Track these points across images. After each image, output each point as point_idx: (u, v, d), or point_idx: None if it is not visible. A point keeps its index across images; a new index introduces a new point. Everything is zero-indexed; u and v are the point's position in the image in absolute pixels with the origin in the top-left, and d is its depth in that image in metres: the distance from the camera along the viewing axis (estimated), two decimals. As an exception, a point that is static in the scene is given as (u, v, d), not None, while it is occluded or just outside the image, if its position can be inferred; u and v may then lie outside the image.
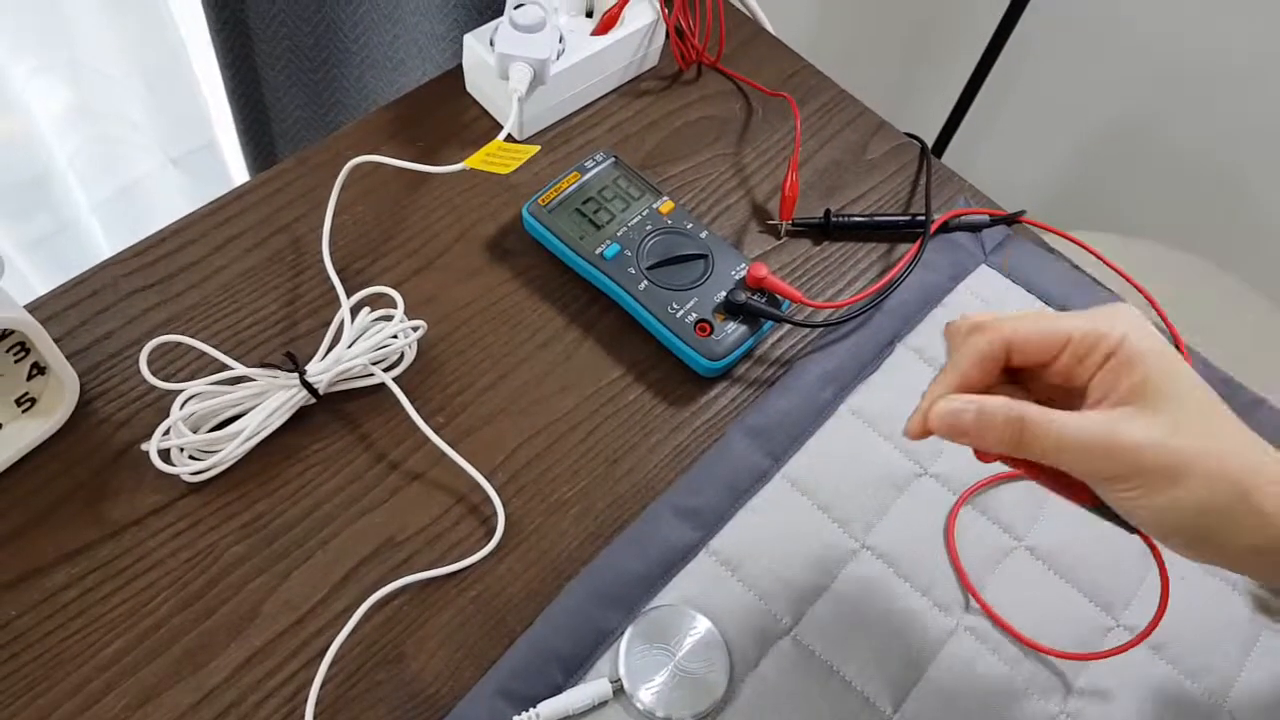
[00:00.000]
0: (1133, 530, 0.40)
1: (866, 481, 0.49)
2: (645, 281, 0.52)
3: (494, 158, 0.50)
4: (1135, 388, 0.34)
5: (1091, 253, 0.61)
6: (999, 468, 0.47)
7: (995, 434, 0.35)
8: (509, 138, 0.57)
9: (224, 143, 1.04)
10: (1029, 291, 0.57)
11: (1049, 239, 0.62)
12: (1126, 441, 0.33)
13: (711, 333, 0.51)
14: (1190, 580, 0.48)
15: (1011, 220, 0.60)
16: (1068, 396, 0.36)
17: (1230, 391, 0.54)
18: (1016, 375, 0.38)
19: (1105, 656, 0.44)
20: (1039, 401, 0.35)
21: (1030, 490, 0.50)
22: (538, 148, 0.50)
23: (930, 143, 1.29)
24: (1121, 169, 1.31)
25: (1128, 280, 0.60)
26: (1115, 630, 0.47)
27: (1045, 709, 0.44)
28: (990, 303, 0.56)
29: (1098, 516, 0.40)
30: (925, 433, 0.37)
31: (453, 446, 0.48)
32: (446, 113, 0.61)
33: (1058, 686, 0.45)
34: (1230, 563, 0.36)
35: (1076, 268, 0.60)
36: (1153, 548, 0.41)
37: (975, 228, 0.60)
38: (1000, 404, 0.35)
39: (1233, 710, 0.45)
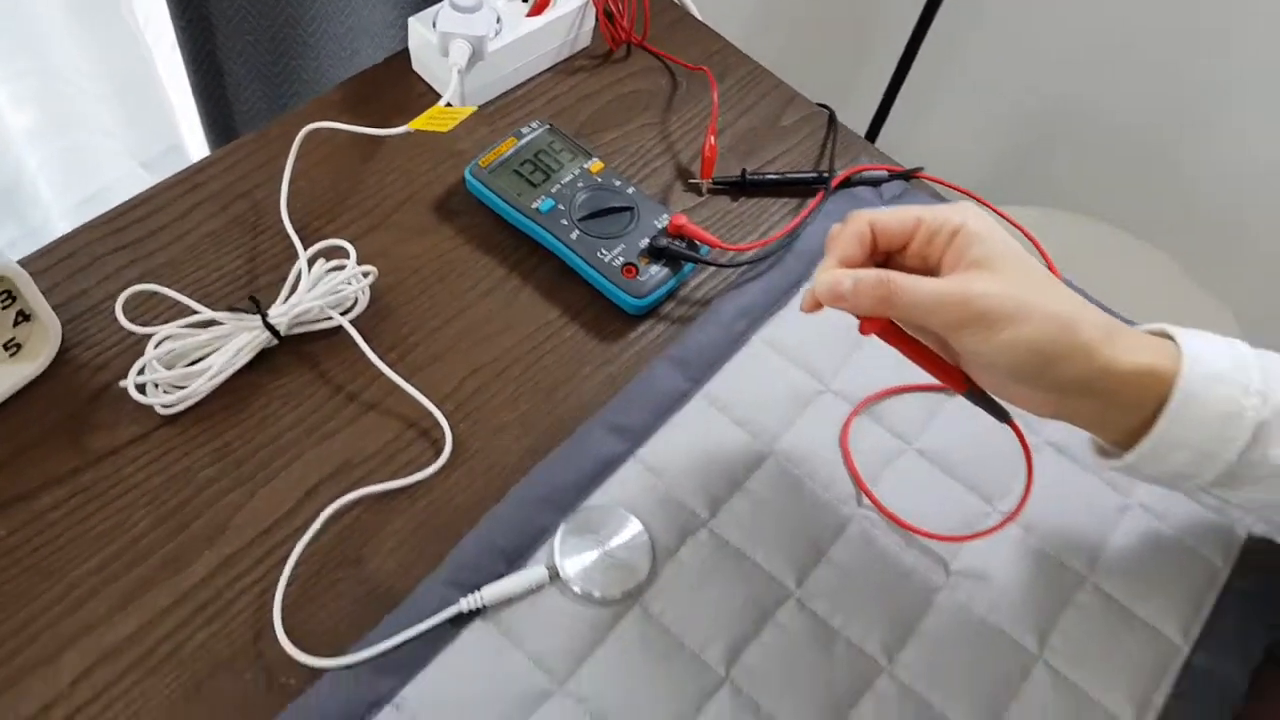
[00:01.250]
0: (1005, 419, 0.46)
1: (775, 399, 0.55)
2: (577, 231, 0.58)
3: (435, 120, 0.56)
4: (978, 258, 0.42)
5: (985, 205, 0.67)
6: (892, 382, 0.54)
7: (868, 295, 0.42)
8: (448, 104, 0.63)
9: (190, 144, 1.08)
10: (924, 237, 0.64)
11: (945, 193, 0.68)
12: (974, 291, 0.41)
13: (637, 274, 0.57)
14: (1055, 470, 0.54)
15: (908, 176, 0.67)
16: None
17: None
18: (883, 264, 0.46)
19: (980, 536, 0.51)
20: None
21: (919, 403, 0.56)
22: (474, 108, 0.56)
23: (866, 125, 1.37)
24: (1048, 146, 1.39)
25: (1021, 230, 0.66)
26: (992, 515, 0.53)
27: (930, 582, 0.50)
28: (889, 246, 0.63)
29: (972, 402, 0.46)
30: (816, 305, 0.45)
31: (404, 379, 0.53)
32: (395, 90, 0.67)
33: (940, 564, 0.51)
34: (1064, 401, 0.43)
35: (968, 216, 0.66)
36: (1020, 437, 0.47)
37: (875, 182, 0.66)
38: (871, 271, 0.43)
39: (1097, 581, 0.51)
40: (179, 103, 1.01)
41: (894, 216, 0.44)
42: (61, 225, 1.00)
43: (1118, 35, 1.25)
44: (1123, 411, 0.44)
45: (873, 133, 1.37)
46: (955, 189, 0.68)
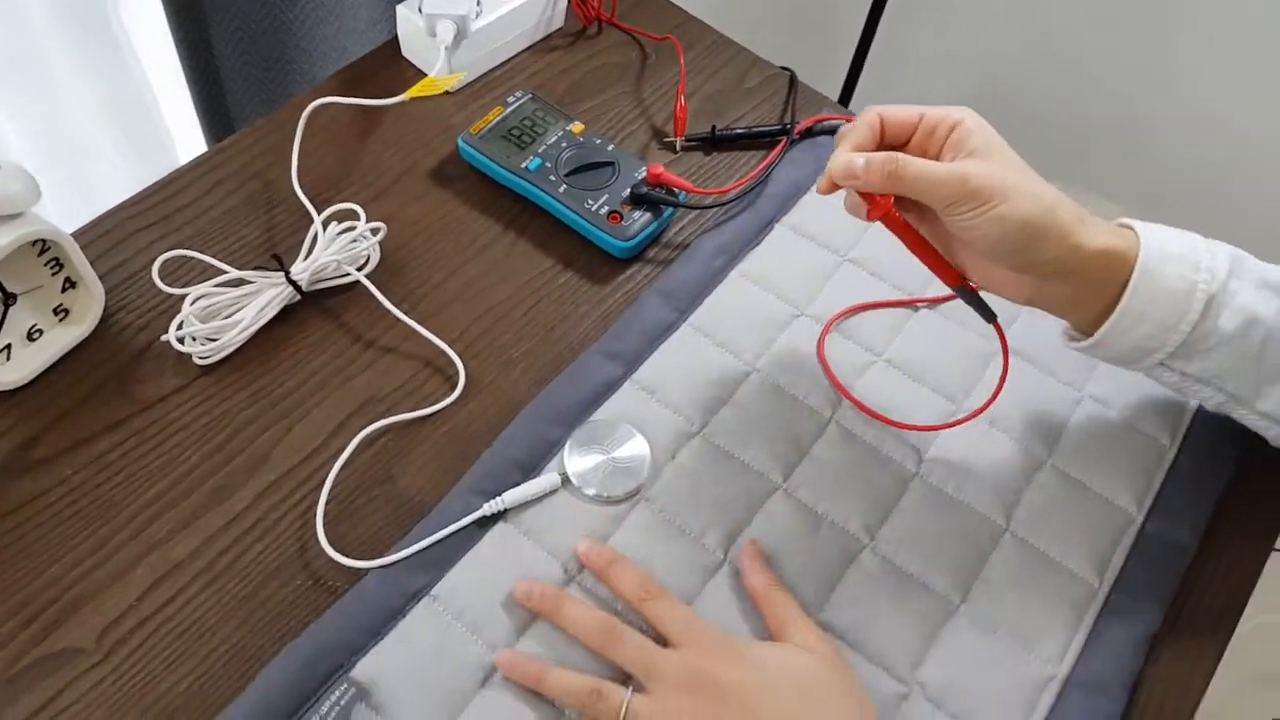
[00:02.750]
0: (991, 318, 0.52)
1: (755, 324, 0.61)
2: (564, 185, 0.64)
3: (428, 86, 0.61)
4: (974, 148, 0.48)
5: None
6: (858, 301, 0.60)
7: (878, 171, 0.48)
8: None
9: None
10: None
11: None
12: (970, 172, 0.47)
13: (622, 220, 0.63)
14: (1017, 373, 0.60)
15: (865, 124, 0.73)
16: None
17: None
18: None
19: (953, 425, 0.56)
20: None
21: (886, 320, 0.62)
22: (463, 74, 0.62)
23: (836, 97, 1.43)
24: (1014, 111, 1.46)
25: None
26: (958, 413, 0.58)
27: (905, 469, 0.56)
28: (850, 186, 0.69)
29: (963, 299, 0.52)
30: (832, 186, 0.50)
31: (419, 325, 0.59)
32: (387, 76, 0.73)
33: (914, 453, 0.56)
34: (1041, 284, 0.49)
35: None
36: (1001, 336, 0.53)
37: (834, 131, 0.72)
38: (881, 153, 0.49)
39: (1056, 463, 0.57)
40: (176, 129, 1.06)
41: (900, 110, 0.50)
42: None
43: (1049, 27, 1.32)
44: (1091, 291, 0.49)
45: (842, 103, 1.43)
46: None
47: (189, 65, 0.91)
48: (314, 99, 0.68)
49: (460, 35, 0.68)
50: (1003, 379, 0.55)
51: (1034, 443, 0.58)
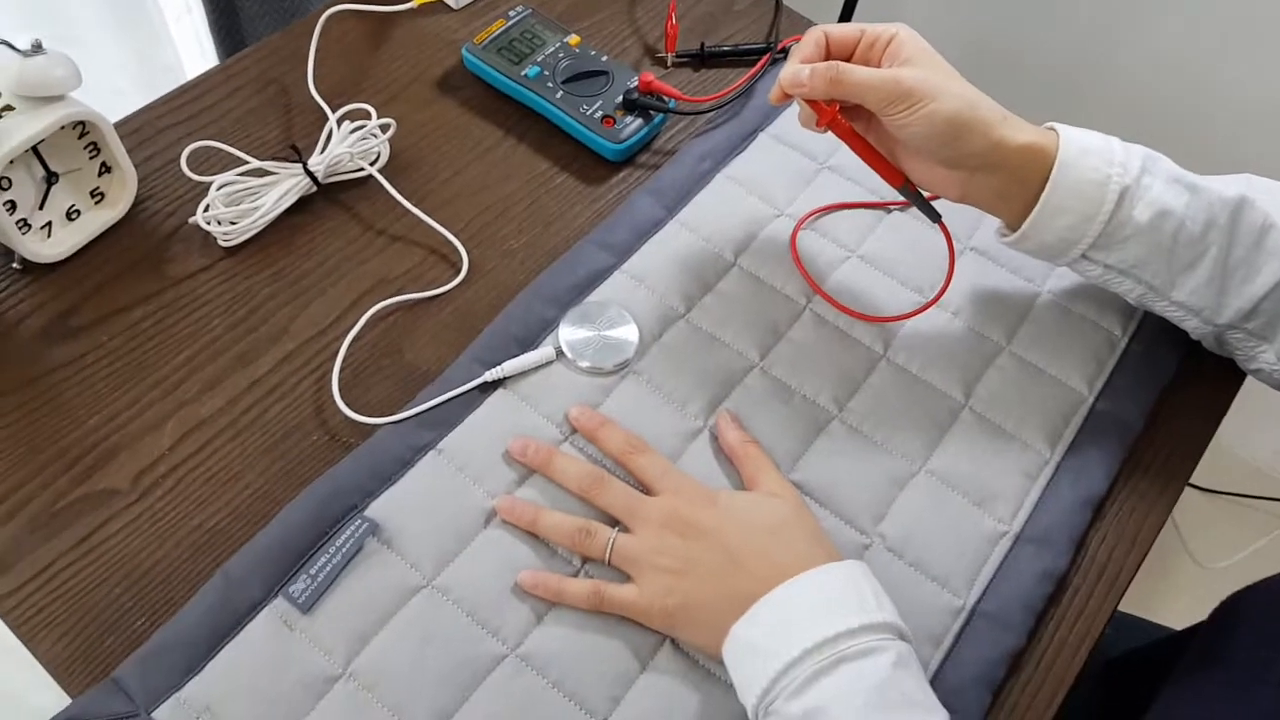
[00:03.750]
0: (935, 218, 0.57)
1: (737, 223, 0.66)
2: (561, 92, 0.68)
3: (438, -2, 0.66)
4: (907, 58, 0.53)
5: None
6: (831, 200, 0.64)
7: (821, 77, 0.53)
8: (444, 11, 0.73)
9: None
10: (861, 93, 0.74)
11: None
12: (902, 75, 0.52)
13: (615, 124, 0.67)
14: (978, 268, 0.65)
15: (847, 45, 0.77)
16: None
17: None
18: None
19: (911, 316, 0.61)
20: None
21: (858, 219, 0.67)
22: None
23: None
24: (992, 74, 1.49)
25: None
26: (922, 301, 0.63)
27: (873, 352, 0.61)
28: (831, 101, 0.73)
29: (906, 198, 0.57)
30: (783, 95, 0.56)
31: (426, 215, 0.64)
32: (397, -6, 0.77)
33: (881, 339, 0.61)
34: (970, 179, 0.54)
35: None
36: (945, 233, 0.58)
37: (819, 51, 0.76)
38: (823, 63, 0.54)
39: (1013, 349, 0.62)
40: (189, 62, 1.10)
41: (843, 28, 0.56)
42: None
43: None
44: (1015, 185, 0.54)
45: None
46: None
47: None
48: (328, 8, 0.73)
49: (466, -47, 0.72)
50: (950, 273, 0.59)
51: (995, 331, 0.62)
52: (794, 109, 0.71)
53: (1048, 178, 0.54)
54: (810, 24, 0.80)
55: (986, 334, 0.62)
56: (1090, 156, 0.54)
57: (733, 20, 0.79)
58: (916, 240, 0.66)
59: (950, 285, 0.60)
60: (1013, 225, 0.57)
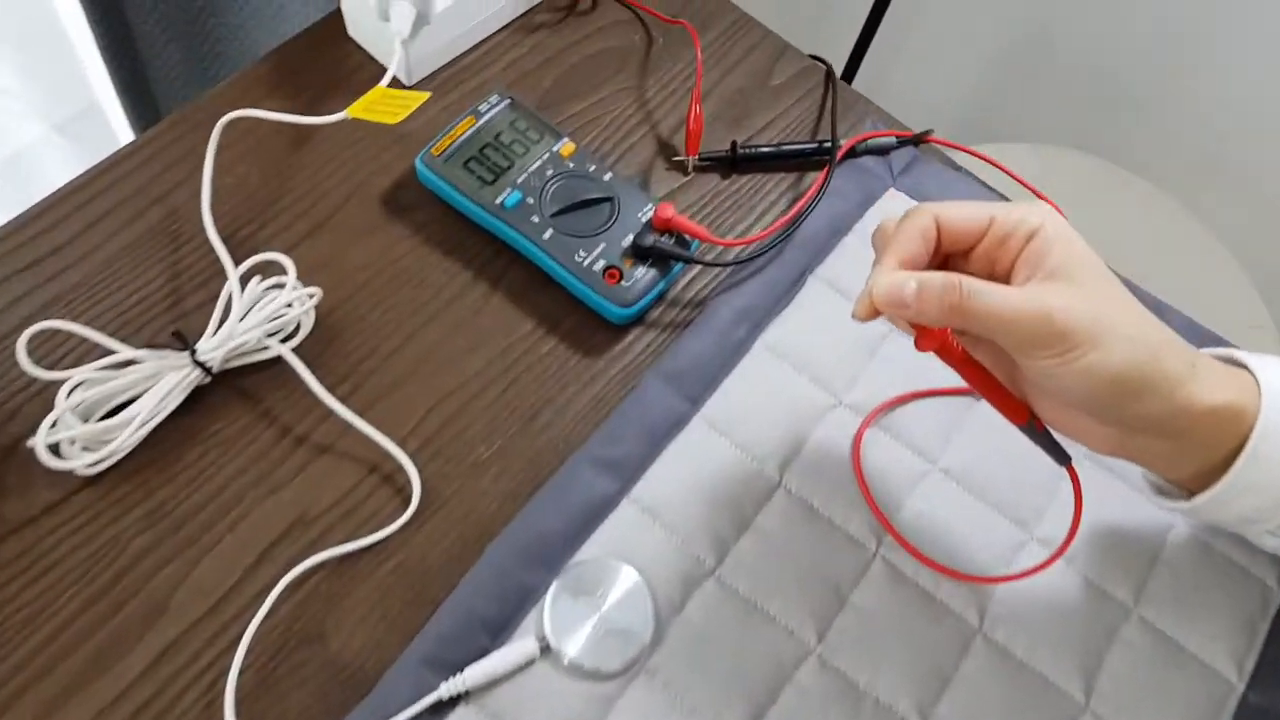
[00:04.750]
0: (1064, 461, 0.41)
1: (782, 417, 0.49)
2: (550, 230, 0.51)
3: (378, 105, 0.47)
4: (1057, 267, 0.37)
5: (998, 167, 0.60)
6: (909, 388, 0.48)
7: (935, 303, 0.37)
8: (395, 83, 0.55)
9: (107, 105, 0.98)
10: (938, 213, 0.57)
11: (956, 156, 0.61)
12: (1055, 306, 0.36)
13: (621, 279, 0.50)
14: (1094, 483, 0.49)
15: (918, 141, 0.59)
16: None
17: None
18: (943, 265, 0.40)
19: (1019, 578, 0.46)
20: None
21: (938, 411, 0.50)
22: (427, 94, 0.48)
23: (840, 67, 1.27)
24: (1028, 79, 1.31)
25: (1035, 193, 0.59)
26: (1029, 545, 0.48)
27: (964, 626, 0.45)
28: (900, 227, 0.56)
29: (1031, 439, 0.41)
30: (873, 313, 0.39)
31: (360, 415, 0.47)
32: (329, 61, 0.58)
33: (974, 604, 0.46)
34: (1132, 439, 0.39)
35: (985, 185, 0.59)
36: (1075, 484, 0.42)
37: (882, 151, 0.59)
38: (939, 274, 0.37)
39: (1143, 613, 0.47)
40: (90, 61, 0.90)
41: (964, 212, 0.39)
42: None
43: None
44: (1195, 451, 0.39)
45: (850, 71, 1.27)
46: (969, 152, 0.61)
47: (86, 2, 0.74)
48: (235, 96, 0.54)
49: (421, 21, 0.53)
50: (1074, 527, 0.44)
51: (1119, 585, 0.47)
52: (855, 240, 0.54)
53: (1240, 447, 0.38)
54: (868, 106, 0.62)
55: (1108, 590, 0.47)
56: None
57: (771, 99, 0.61)
58: (1013, 441, 0.50)
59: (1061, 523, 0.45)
60: (1178, 484, 0.41)
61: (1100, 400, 0.37)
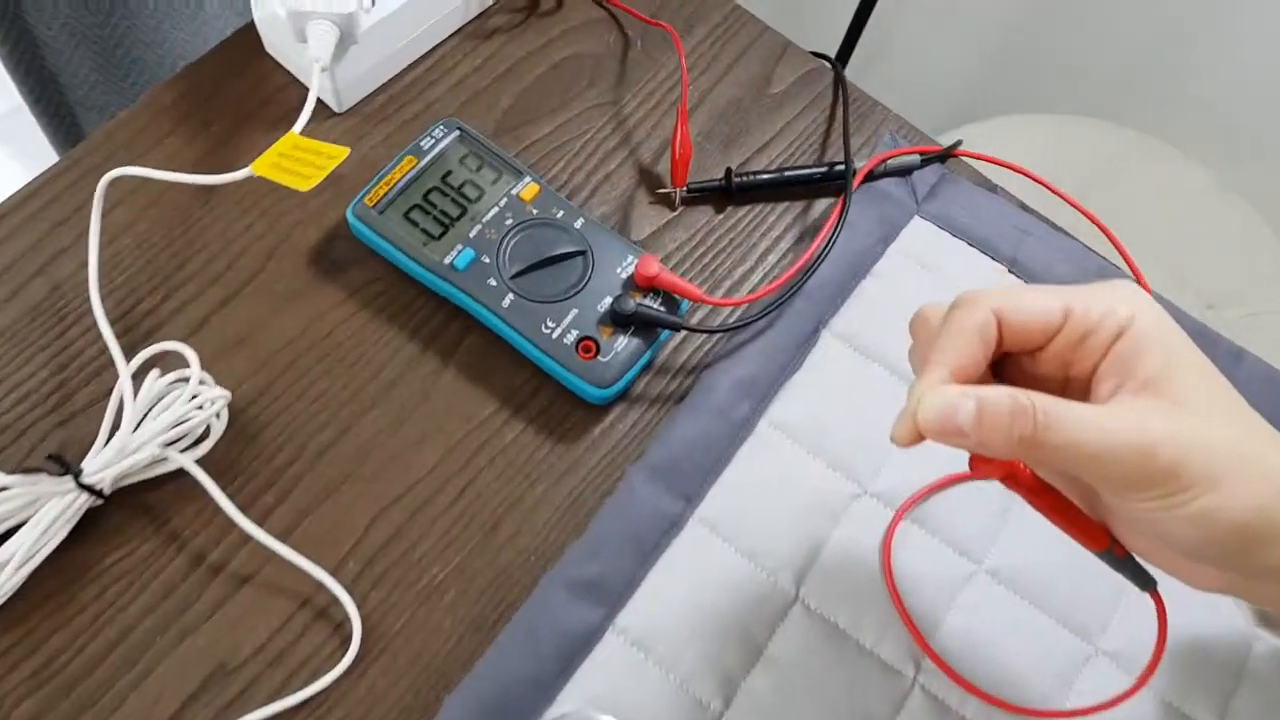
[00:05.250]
0: (1148, 585, 0.33)
1: (796, 513, 0.41)
2: (510, 295, 0.42)
3: (289, 161, 0.38)
4: (1155, 376, 0.28)
5: (1038, 181, 0.52)
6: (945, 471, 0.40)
7: (1001, 431, 0.28)
8: (320, 109, 0.46)
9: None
10: (971, 244, 0.48)
11: (988, 170, 0.52)
12: (1159, 436, 0.27)
13: (598, 353, 0.42)
14: (1172, 603, 0.41)
15: (944, 156, 0.51)
16: (1059, 391, 0.29)
17: (1209, 344, 0.46)
18: (999, 368, 0.32)
19: (1088, 714, 0.38)
20: None
21: (983, 497, 0.42)
22: (345, 151, 0.38)
23: (838, 36, 1.16)
24: (1042, 46, 1.21)
25: (1086, 215, 0.51)
26: (1095, 659, 0.40)
27: (1022, 776, 0.38)
28: (932, 266, 0.47)
29: (1109, 565, 0.33)
30: (917, 437, 0.30)
31: (286, 536, 0.39)
32: (247, 82, 0.49)
33: (1034, 744, 0.38)
34: (1246, 583, 0.30)
35: (1023, 205, 0.51)
36: (1160, 610, 0.34)
37: (905, 171, 0.50)
38: (1005, 393, 0.28)
39: (1229, 740, 0.39)
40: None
41: (1033, 305, 0.30)
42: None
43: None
44: None
45: (850, 41, 1.15)
46: (1007, 166, 0.52)
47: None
48: (133, 138, 0.46)
49: (346, 40, 0.44)
50: (1158, 655, 0.36)
51: (1199, 706, 0.40)
52: (874, 284, 0.46)
53: None
54: (884, 113, 0.52)
55: (1189, 713, 0.39)
56: None
57: (770, 110, 0.52)
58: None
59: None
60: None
61: (1216, 550, 0.28)
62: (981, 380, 0.30)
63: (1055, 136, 1.03)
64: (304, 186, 0.36)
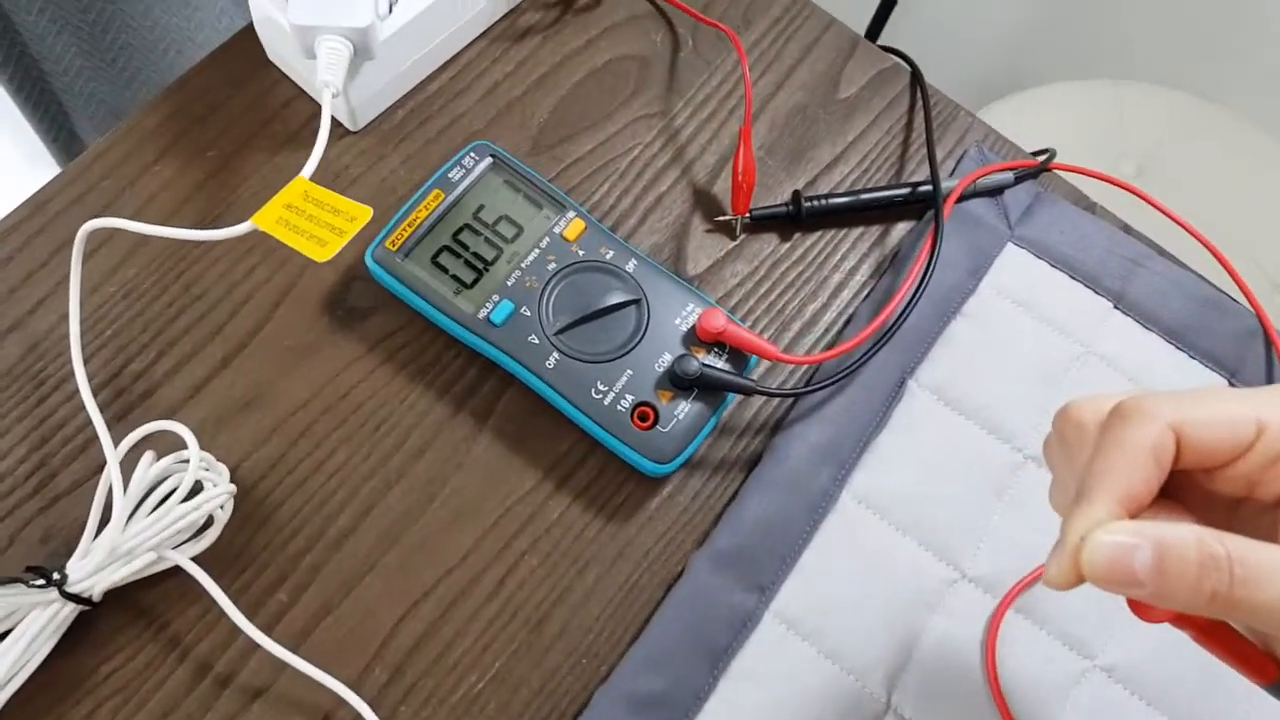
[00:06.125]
0: None
1: (885, 604, 0.36)
2: (555, 354, 0.36)
3: (299, 217, 0.32)
4: None
5: (1148, 201, 0.45)
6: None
7: (1188, 584, 0.23)
8: (338, 128, 0.40)
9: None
10: (1074, 277, 0.42)
11: (1082, 184, 0.46)
12: None
13: (656, 421, 0.36)
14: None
15: (1038, 172, 0.44)
16: (1232, 509, 0.25)
17: None
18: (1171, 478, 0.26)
19: None
20: None
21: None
22: (369, 212, 0.32)
23: (866, 22, 1.08)
24: (1087, 8, 1.12)
25: (1196, 236, 0.44)
26: (1228, 774, 0.35)
27: None
28: (1029, 304, 0.42)
29: (1275, 697, 0.28)
30: (1077, 581, 0.24)
31: (303, 640, 0.34)
32: (247, 97, 0.43)
33: None
34: None
35: (1130, 229, 0.45)
36: None
37: (995, 190, 0.44)
38: (1191, 536, 0.22)
39: None
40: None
41: (1217, 417, 0.24)
42: None
43: None
44: None
45: (878, 23, 1.07)
46: (1108, 180, 0.46)
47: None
48: (121, 162, 0.40)
49: (361, 55, 0.38)
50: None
51: (1351, 826, 0.35)
52: (964, 325, 0.40)
53: None
54: (969, 120, 0.46)
55: (1341, 834, 0.35)
56: None
57: (841, 119, 0.45)
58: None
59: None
60: None
61: None
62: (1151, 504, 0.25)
63: (1111, 101, 0.95)
64: (319, 256, 0.31)
